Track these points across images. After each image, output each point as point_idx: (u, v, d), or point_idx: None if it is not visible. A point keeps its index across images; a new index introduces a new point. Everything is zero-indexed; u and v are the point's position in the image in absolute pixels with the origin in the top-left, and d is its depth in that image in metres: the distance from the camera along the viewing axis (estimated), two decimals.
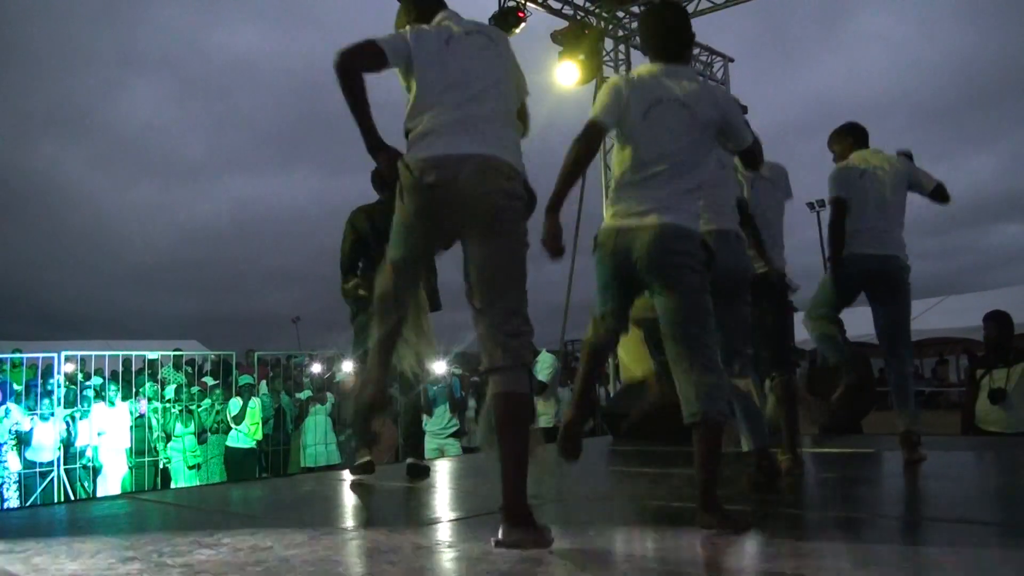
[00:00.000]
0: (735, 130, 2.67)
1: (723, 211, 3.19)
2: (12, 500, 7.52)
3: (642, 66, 2.73)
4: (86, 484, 8.06)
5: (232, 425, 8.52)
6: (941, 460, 3.93)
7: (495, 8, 8.37)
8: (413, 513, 3.43)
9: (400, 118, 2.41)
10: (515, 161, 2.30)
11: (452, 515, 3.20)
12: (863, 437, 5.80)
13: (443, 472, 4.65)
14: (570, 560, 2.25)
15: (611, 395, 9.22)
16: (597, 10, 9.27)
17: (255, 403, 8.62)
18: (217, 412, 8.75)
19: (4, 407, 7.74)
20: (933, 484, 3.76)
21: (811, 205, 24.54)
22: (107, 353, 9.38)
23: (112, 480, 8.07)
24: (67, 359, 8.64)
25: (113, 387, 8.45)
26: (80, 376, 8.90)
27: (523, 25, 8.38)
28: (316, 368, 10.26)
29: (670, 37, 2.68)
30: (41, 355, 8.85)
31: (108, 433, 8.11)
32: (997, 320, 5.51)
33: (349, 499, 3.94)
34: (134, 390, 8.59)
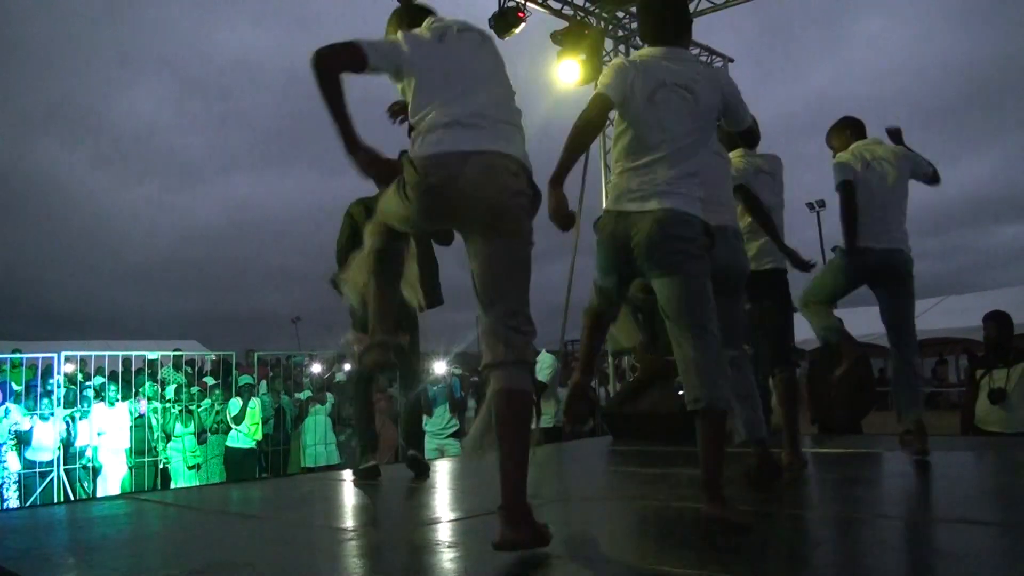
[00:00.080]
0: (735, 112, 2.70)
1: (722, 206, 3.19)
2: (12, 500, 7.52)
3: (643, 50, 2.72)
4: (86, 484, 8.06)
5: (232, 425, 8.52)
6: (941, 460, 3.93)
7: (495, 8, 8.36)
8: (413, 513, 3.43)
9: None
10: (520, 154, 2.28)
11: (452, 515, 3.20)
12: (863, 437, 5.80)
13: (443, 472, 4.65)
14: (570, 561, 2.25)
15: (611, 395, 9.23)
16: (597, 10, 9.27)
17: (255, 403, 8.62)
18: (217, 412, 8.75)
19: (4, 407, 7.74)
20: (933, 484, 3.76)
21: (811, 205, 24.56)
22: (107, 353, 9.38)
23: (112, 480, 8.06)
24: (67, 359, 8.64)
25: (113, 387, 8.45)
26: (80, 376, 8.90)
27: (523, 25, 8.37)
28: (316, 368, 10.26)
29: (669, 21, 2.68)
30: (41, 355, 8.85)
31: (108, 433, 8.11)
32: (997, 320, 5.51)
33: (349, 499, 3.94)
34: (134, 390, 8.59)
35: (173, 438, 8.57)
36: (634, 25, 9.34)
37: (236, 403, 8.54)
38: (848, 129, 4.19)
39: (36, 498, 7.62)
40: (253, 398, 8.65)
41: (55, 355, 8.50)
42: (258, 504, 4.06)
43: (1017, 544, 2.43)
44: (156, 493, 6.55)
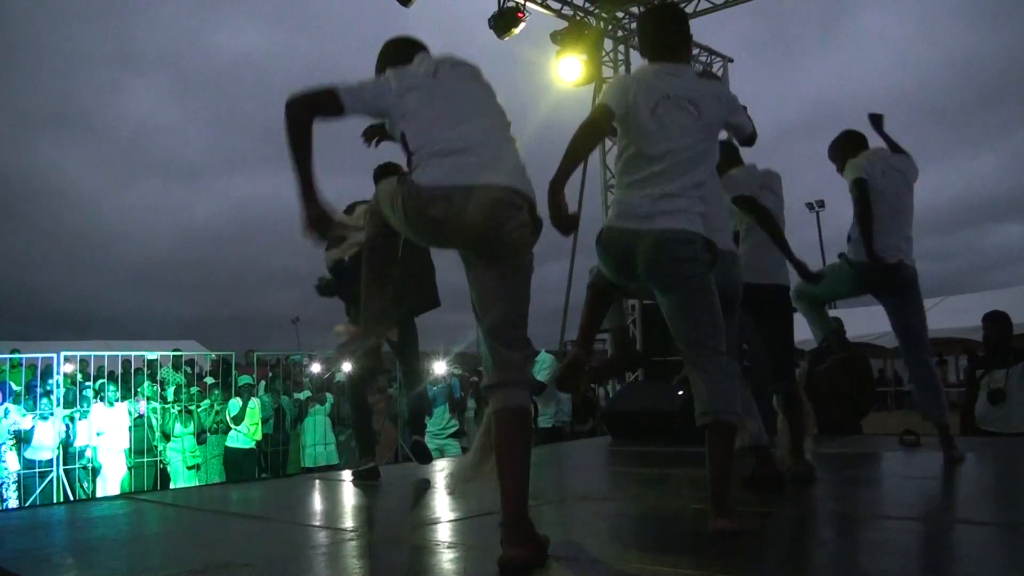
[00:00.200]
0: (738, 125, 2.72)
1: (717, 231, 3.20)
2: (11, 500, 7.52)
3: (644, 66, 2.73)
4: (85, 484, 8.06)
5: (231, 425, 8.52)
6: (941, 460, 3.93)
7: (495, 8, 8.36)
8: (413, 513, 3.43)
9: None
10: (522, 186, 2.24)
11: (452, 515, 3.20)
12: (863, 437, 5.80)
13: (443, 472, 4.65)
14: (569, 561, 2.25)
15: (611, 396, 9.23)
16: (597, 10, 9.27)
17: (255, 403, 8.62)
18: (216, 412, 8.75)
19: (3, 407, 7.73)
20: (933, 484, 3.77)
21: (810, 205, 24.58)
22: (106, 353, 9.39)
23: (111, 480, 8.06)
24: (66, 359, 8.64)
25: (112, 387, 8.45)
26: (80, 376, 8.90)
27: (523, 25, 8.37)
28: (316, 368, 10.26)
29: (670, 37, 2.69)
30: (40, 355, 8.85)
31: (107, 433, 8.11)
32: (996, 320, 5.51)
33: (349, 499, 3.94)
34: (133, 390, 8.59)
35: (172, 438, 8.57)
36: (634, 25, 9.34)
37: (236, 403, 8.54)
38: (850, 145, 4.11)
39: (35, 498, 7.62)
40: (253, 398, 8.65)
41: (54, 355, 8.50)
42: (257, 504, 4.06)
43: (1017, 544, 2.43)
44: (155, 493, 6.55)
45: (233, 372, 9.11)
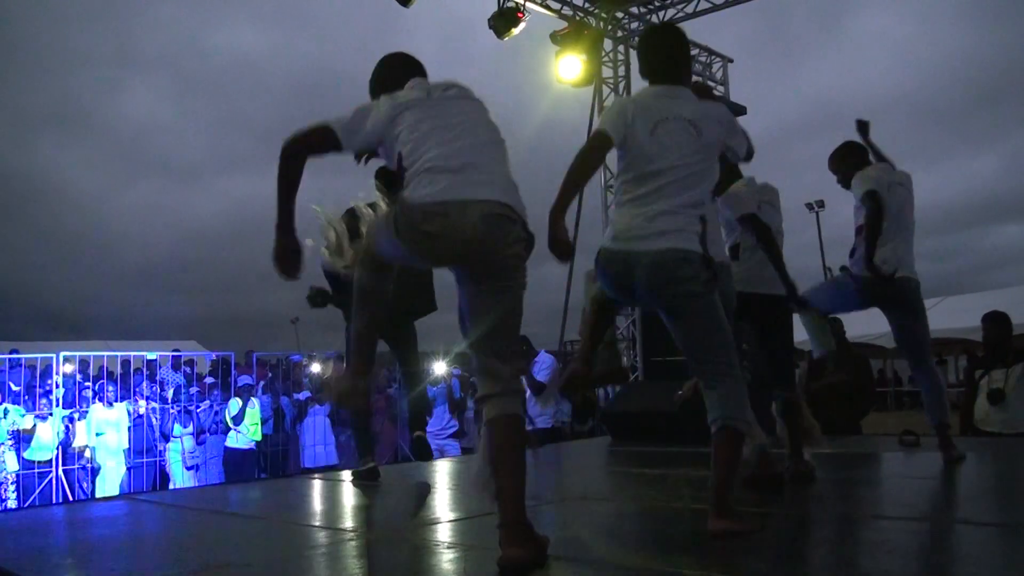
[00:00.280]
0: (734, 146, 2.70)
1: (712, 241, 3.21)
2: (10, 501, 7.52)
3: (643, 90, 2.73)
4: (84, 484, 8.05)
5: (231, 426, 8.52)
6: (940, 460, 3.93)
7: (495, 8, 8.36)
8: (413, 513, 3.42)
9: None
10: (516, 203, 2.27)
11: (452, 515, 3.20)
12: (863, 437, 5.81)
13: (443, 472, 4.65)
14: (569, 561, 2.25)
15: (611, 396, 9.23)
16: (597, 11, 9.27)
17: (254, 404, 8.62)
18: (216, 413, 8.74)
19: (2, 407, 7.73)
20: (933, 484, 3.77)
21: (810, 206, 24.53)
22: (106, 353, 9.38)
23: (110, 480, 8.06)
24: (65, 359, 8.64)
25: (111, 387, 8.44)
26: (79, 376, 8.90)
27: (522, 25, 8.37)
28: (315, 368, 10.26)
29: (668, 60, 2.69)
30: (40, 355, 8.84)
31: (106, 433, 8.10)
32: (996, 321, 5.51)
33: (349, 499, 3.94)
34: (132, 390, 8.58)
35: (172, 439, 8.57)
36: (634, 25, 9.35)
37: (235, 404, 8.54)
38: (851, 156, 4.08)
39: (35, 498, 7.61)
40: (252, 399, 8.64)
41: (53, 355, 8.50)
42: (257, 505, 4.06)
43: (1017, 544, 2.43)
44: (155, 494, 6.55)
45: (233, 372, 9.11)
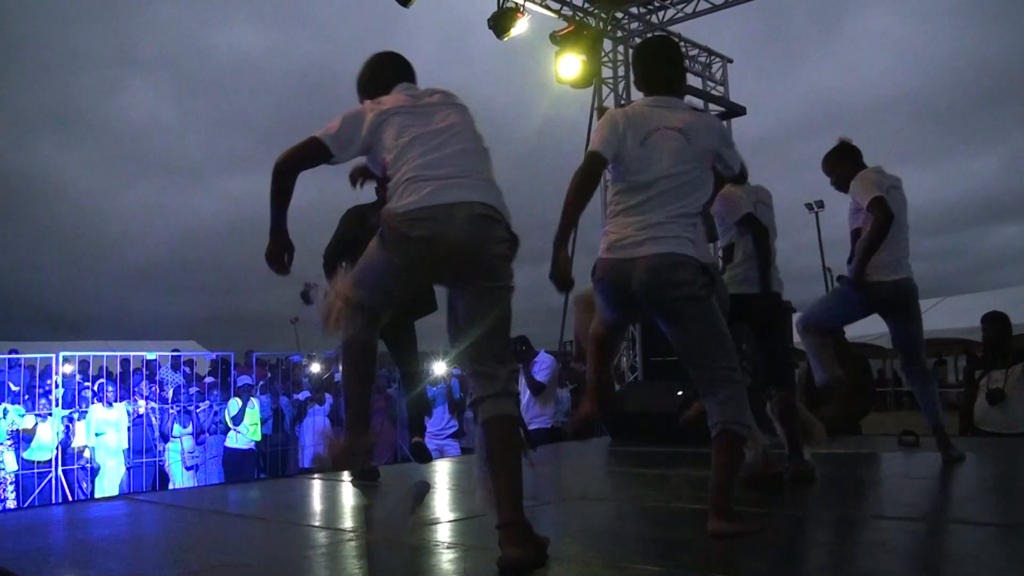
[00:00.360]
0: (727, 159, 2.70)
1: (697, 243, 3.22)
2: (9, 501, 7.51)
3: (637, 101, 2.74)
4: (84, 485, 8.05)
5: (230, 426, 8.51)
6: (940, 461, 3.93)
7: (495, 8, 8.36)
8: (413, 513, 3.42)
9: None
10: (499, 204, 2.30)
11: (452, 515, 3.20)
12: (862, 437, 5.81)
13: (443, 472, 4.65)
14: (569, 562, 2.25)
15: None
16: (596, 11, 9.27)
17: (254, 404, 8.61)
18: (215, 413, 8.74)
19: (2, 407, 7.73)
20: (932, 484, 3.77)
21: (809, 206, 24.49)
22: (105, 353, 9.36)
23: (110, 481, 8.05)
24: (65, 360, 8.63)
25: (111, 387, 8.44)
26: (78, 376, 8.89)
27: (522, 25, 8.36)
28: (315, 368, 10.25)
29: (663, 70, 2.70)
30: (39, 356, 8.83)
31: (106, 434, 8.10)
32: (995, 321, 5.51)
33: (349, 499, 3.94)
34: (132, 391, 8.57)
35: (171, 439, 8.57)
36: (634, 25, 9.35)
37: (235, 404, 8.53)
38: (847, 161, 4.04)
39: (34, 498, 7.61)
40: (252, 399, 8.64)
41: (53, 355, 8.49)
42: (256, 505, 4.06)
43: (1017, 544, 2.43)
44: (154, 494, 6.55)
45: (232, 372, 9.11)
